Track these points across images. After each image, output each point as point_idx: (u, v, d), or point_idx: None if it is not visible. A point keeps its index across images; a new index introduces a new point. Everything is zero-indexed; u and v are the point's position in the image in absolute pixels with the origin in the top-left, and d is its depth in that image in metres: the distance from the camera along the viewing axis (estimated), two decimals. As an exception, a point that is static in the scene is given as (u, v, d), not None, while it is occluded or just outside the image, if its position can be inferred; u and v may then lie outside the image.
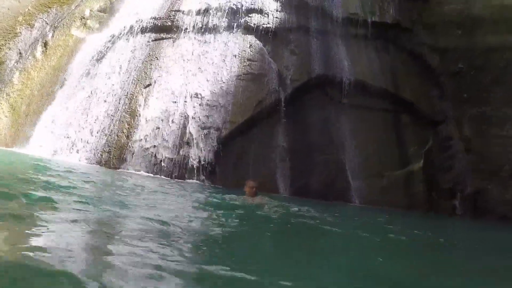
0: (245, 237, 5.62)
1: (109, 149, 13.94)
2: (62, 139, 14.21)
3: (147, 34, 16.02)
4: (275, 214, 7.90)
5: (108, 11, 17.27)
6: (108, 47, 15.90)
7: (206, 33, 15.95)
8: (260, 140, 14.62)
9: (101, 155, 13.84)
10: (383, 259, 5.66)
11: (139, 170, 13.57)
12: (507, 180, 16.13)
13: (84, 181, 9.03)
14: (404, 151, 16.31)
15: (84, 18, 17.00)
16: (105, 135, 14.11)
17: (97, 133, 14.18)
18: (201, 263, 4.11)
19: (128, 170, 13.52)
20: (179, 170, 13.58)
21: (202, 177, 13.60)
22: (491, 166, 16.44)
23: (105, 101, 14.71)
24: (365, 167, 15.37)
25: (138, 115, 14.40)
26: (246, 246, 4.93)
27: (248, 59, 15.41)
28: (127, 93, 14.77)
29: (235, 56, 15.42)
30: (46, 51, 16.34)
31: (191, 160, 13.68)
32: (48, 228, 4.25)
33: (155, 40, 15.95)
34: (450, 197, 16.27)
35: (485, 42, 18.23)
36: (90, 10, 17.20)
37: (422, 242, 8.11)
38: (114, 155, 13.83)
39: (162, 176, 13.40)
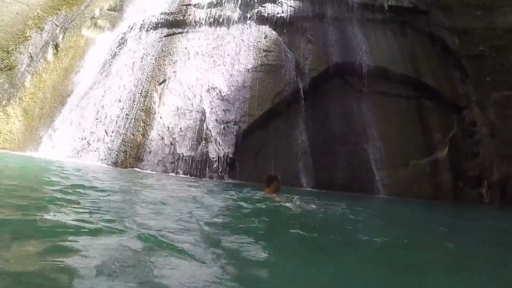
0: (273, 242, 4.83)
1: (125, 148, 13.26)
2: (77, 141, 13.56)
3: (159, 30, 15.34)
4: (301, 214, 7.14)
5: (118, 9, 16.64)
6: (120, 45, 15.23)
7: (219, 25, 15.23)
8: (280, 133, 13.85)
9: (117, 155, 13.16)
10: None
11: (156, 169, 12.82)
12: (534, 165, 15.44)
13: (99, 183, 8.31)
14: (428, 139, 15.45)
15: (94, 18, 16.36)
16: (121, 134, 13.43)
17: (112, 132, 13.50)
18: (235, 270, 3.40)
19: (145, 170, 12.79)
20: (198, 167, 12.84)
21: (222, 174, 12.83)
22: None
23: (119, 100, 14.03)
24: (389, 156, 14.54)
25: (153, 112, 13.70)
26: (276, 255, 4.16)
27: (264, 50, 14.64)
28: (142, 90, 14.08)
29: (250, 47, 14.65)
30: (57, 53, 15.71)
31: (210, 156, 12.94)
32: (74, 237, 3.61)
33: (168, 35, 15.24)
34: (476, 185, 15.51)
35: (506, 22, 17.42)
36: (100, 9, 16.56)
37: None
38: (130, 155, 13.14)
39: (181, 174, 12.67)
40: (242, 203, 7.07)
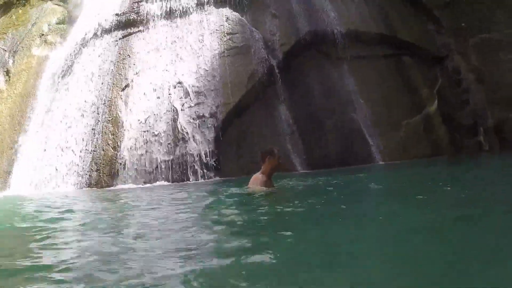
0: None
1: (97, 166, 11.19)
2: (44, 169, 11.43)
3: (113, 33, 13.24)
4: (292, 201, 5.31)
5: (67, 21, 14.44)
6: (74, 57, 13.07)
7: (177, 17, 13.11)
8: (261, 118, 11.93)
9: (90, 175, 11.11)
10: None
11: (135, 182, 10.77)
12: (528, 105, 13.87)
13: (70, 212, 6.29)
14: (415, 95, 13.86)
15: (43, 34, 14.20)
16: (90, 152, 11.35)
17: (81, 152, 11.41)
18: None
19: (123, 185, 10.73)
20: (179, 171, 10.80)
21: (207, 173, 10.81)
22: (508, 93, 14.01)
23: (82, 115, 11.92)
24: (380, 120, 12.76)
25: (121, 121, 11.64)
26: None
27: (228, 33, 12.64)
28: (105, 100, 12.00)
29: (213, 33, 12.60)
30: (9, 80, 13.55)
31: (190, 157, 10.91)
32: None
33: (123, 37, 13.15)
34: (473, 134, 14.02)
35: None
36: (48, 25, 14.41)
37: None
38: (103, 172, 11.09)
39: (162, 183, 10.61)
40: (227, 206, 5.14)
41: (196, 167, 10.81)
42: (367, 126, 12.57)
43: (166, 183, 10.65)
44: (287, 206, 4.97)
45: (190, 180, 10.74)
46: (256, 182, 6.02)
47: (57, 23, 14.50)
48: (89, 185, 11.06)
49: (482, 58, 14.90)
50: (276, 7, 13.45)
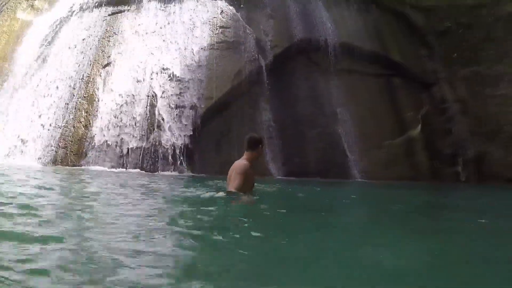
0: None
1: (65, 143, 10.31)
2: (10, 139, 10.47)
3: (103, 8, 12.36)
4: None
5: (58, -12, 13.42)
6: (59, 27, 12.13)
7: (170, 2, 12.28)
8: (243, 116, 11.18)
9: (56, 151, 10.22)
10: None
11: (103, 165, 9.90)
12: (508, 141, 13.52)
13: (33, 189, 5.44)
14: (400, 117, 13.34)
15: (30, -1, 13.12)
16: (60, 127, 10.47)
17: (50, 126, 10.50)
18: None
19: (89, 166, 9.86)
20: (150, 160, 9.99)
21: (179, 167, 10.01)
22: (490, 127, 13.90)
23: (57, 87, 10.99)
24: (362, 137, 12.18)
25: (96, 100, 10.79)
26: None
27: (221, 27, 11.90)
28: (83, 76, 11.13)
29: (205, 24, 11.84)
30: (-12, 40, 12.46)
31: (164, 147, 10.12)
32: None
33: (113, 14, 12.27)
34: (452, 163, 13.60)
35: (470, -2, 15.30)
36: (37, -10, 13.32)
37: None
38: (71, 150, 10.21)
39: (130, 170, 9.78)
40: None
41: (168, 159, 10.01)
42: (349, 141, 11.98)
43: (134, 170, 9.81)
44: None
45: (160, 171, 9.93)
46: (242, 170, 4.95)
47: (47, -11, 13.51)
48: (55, 162, 10.16)
49: (469, 91, 14.56)
50: (273, 8, 12.78)
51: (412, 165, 12.77)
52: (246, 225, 3.81)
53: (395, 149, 12.63)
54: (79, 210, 4.02)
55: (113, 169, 9.83)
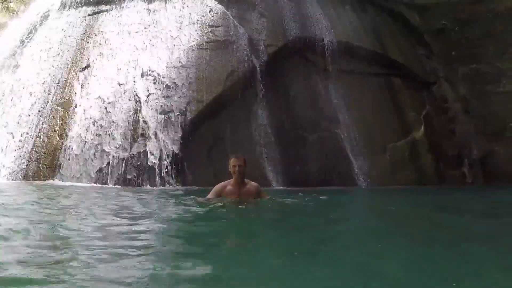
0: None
1: (38, 156, 8.42)
2: (-24, 150, 8.53)
3: (83, 8, 10.51)
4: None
5: (36, -10, 11.53)
6: (34, 29, 10.23)
7: (155, 0, 10.42)
8: (237, 122, 9.35)
9: (27, 165, 8.27)
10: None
11: (80, 180, 7.99)
12: (513, 139, 12.53)
13: None
14: (402, 118, 11.78)
15: (6, 0, 11.21)
16: (32, 137, 8.55)
17: (21, 136, 8.59)
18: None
19: (64, 181, 7.94)
20: (134, 173, 8.10)
21: (168, 179, 8.12)
22: (494, 126, 12.70)
23: (30, 93, 9.08)
24: (365, 140, 10.52)
25: (73, 106, 8.91)
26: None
27: (210, 25, 10.11)
28: (59, 80, 9.24)
29: (193, 23, 10.01)
30: (-41, 44, 10.53)
31: (150, 157, 8.22)
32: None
33: (93, 14, 10.39)
34: (457, 165, 12.21)
35: (469, -6, 13.78)
36: (14, -9, 11.44)
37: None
38: (44, 163, 8.32)
39: (111, 185, 7.86)
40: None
41: (155, 171, 8.12)
42: (352, 145, 10.21)
43: (116, 186, 7.90)
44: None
45: (145, 185, 8.04)
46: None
47: (23, -9, 11.61)
48: (25, 176, 8.24)
49: (470, 89, 13.30)
50: (265, 6, 11.00)
51: (417, 169, 11.21)
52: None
53: (399, 152, 10.99)
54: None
55: (92, 184, 7.92)
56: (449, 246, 3.27)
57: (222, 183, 5.08)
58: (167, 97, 8.82)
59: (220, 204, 4.84)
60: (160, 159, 8.30)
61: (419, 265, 2.63)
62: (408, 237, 3.65)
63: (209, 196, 5.07)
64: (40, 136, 8.58)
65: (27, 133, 8.64)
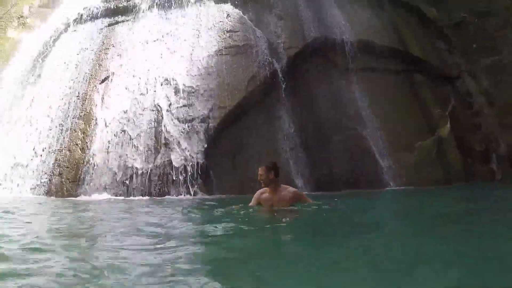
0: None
1: (60, 170, 8.14)
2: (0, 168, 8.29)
3: (99, 20, 10.26)
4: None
5: (51, 5, 11.33)
6: (52, 42, 9.99)
7: (172, 8, 10.15)
8: (261, 126, 8.98)
9: (50, 180, 8.03)
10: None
11: (104, 193, 7.69)
12: (541, 131, 11.52)
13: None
14: (428, 115, 11.22)
15: (22, 17, 11.14)
16: (53, 152, 8.28)
17: (43, 151, 8.33)
18: None
19: (88, 196, 7.66)
20: (159, 183, 7.78)
21: (193, 188, 7.78)
22: None
23: (50, 107, 8.82)
24: (391, 139, 10.01)
25: (94, 118, 8.59)
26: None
27: (228, 31, 9.75)
28: (79, 92, 8.97)
29: (210, 29, 9.66)
30: (-22, 62, 10.35)
31: (175, 166, 7.89)
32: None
33: (110, 25, 10.15)
34: (485, 160, 11.55)
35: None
36: (30, 7, 11.33)
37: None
38: (67, 178, 8.04)
39: (136, 197, 7.56)
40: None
41: (180, 181, 7.78)
42: (378, 145, 9.75)
43: (141, 197, 7.59)
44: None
45: (172, 195, 7.71)
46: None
47: (39, 7, 11.41)
48: (48, 192, 7.98)
49: (493, 81, 12.58)
50: (282, 8, 10.62)
51: (444, 167, 10.61)
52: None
53: (426, 151, 10.43)
54: None
55: (117, 197, 7.62)
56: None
57: (260, 190, 5.07)
58: (189, 105, 8.49)
59: (248, 211, 4.88)
60: (184, 169, 7.97)
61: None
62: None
63: (251, 204, 5.07)
64: (62, 150, 8.32)
65: (49, 148, 8.38)
